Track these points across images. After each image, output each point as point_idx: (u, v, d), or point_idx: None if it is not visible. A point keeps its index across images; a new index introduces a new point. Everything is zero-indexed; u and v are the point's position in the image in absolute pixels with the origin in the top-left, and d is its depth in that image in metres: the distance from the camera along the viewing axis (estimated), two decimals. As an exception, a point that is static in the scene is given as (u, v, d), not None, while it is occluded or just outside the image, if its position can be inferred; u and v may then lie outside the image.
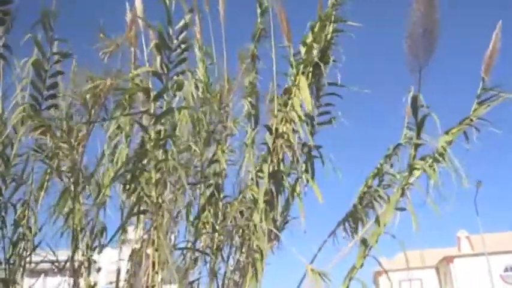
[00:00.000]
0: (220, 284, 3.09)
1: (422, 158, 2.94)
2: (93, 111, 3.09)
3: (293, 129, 3.08)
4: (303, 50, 3.21)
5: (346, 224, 3.21)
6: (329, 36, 3.18)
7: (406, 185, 2.87)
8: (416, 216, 2.80)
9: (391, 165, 3.28)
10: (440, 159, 2.83)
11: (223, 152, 3.45)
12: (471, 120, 2.93)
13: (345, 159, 3.43)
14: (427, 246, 45.45)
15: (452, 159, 2.85)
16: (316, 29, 3.14)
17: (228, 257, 3.12)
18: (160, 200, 2.55)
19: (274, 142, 3.05)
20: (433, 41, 2.78)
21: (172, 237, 3.23)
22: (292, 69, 3.17)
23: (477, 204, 31.22)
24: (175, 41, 2.70)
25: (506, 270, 38.79)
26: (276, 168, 3.03)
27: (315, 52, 3.13)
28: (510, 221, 71.73)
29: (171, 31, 2.67)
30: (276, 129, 3.08)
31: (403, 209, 2.86)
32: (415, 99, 2.90)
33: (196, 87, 3.61)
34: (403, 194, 2.88)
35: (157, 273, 2.45)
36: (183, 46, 2.75)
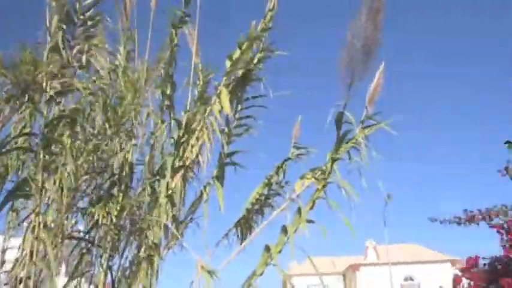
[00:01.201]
0: (113, 278, 2.96)
1: (312, 170, 3.05)
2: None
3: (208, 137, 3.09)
4: (228, 63, 3.28)
5: (239, 228, 3.21)
6: (256, 58, 3.35)
7: (317, 198, 2.92)
8: (324, 229, 2.85)
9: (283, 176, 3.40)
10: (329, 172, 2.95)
11: (131, 142, 3.33)
12: (356, 141, 3.07)
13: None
14: (338, 253, 47.21)
15: (336, 173, 2.99)
16: (244, 47, 3.24)
17: (123, 252, 2.99)
18: (47, 185, 2.37)
19: (183, 136, 2.98)
20: (370, 57, 2.82)
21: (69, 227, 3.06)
22: (199, 81, 3.33)
23: (386, 216, 32.74)
24: (81, 17, 2.54)
25: (406, 279, 40.97)
26: (183, 164, 2.96)
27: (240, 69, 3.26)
28: (414, 234, 76.07)
29: (77, 5, 2.52)
30: (187, 124, 3.02)
31: (311, 221, 2.89)
32: (340, 115, 2.96)
33: (114, 71, 3.51)
34: (313, 207, 2.93)
35: (35, 264, 2.28)
36: (90, 23, 2.60)
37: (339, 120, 2.99)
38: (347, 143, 3.08)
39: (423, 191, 70.30)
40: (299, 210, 2.93)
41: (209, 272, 2.54)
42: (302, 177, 3.04)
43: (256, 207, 3.27)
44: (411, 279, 40.95)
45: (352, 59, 2.86)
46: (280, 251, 2.78)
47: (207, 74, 3.38)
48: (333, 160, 3.02)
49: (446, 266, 37.95)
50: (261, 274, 2.75)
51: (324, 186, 2.95)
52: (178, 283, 3.40)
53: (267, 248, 2.87)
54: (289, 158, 3.37)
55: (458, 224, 5.75)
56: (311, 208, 2.93)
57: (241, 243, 3.14)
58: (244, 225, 3.18)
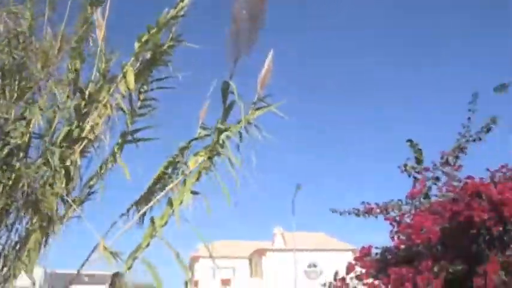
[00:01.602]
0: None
1: (206, 147, 3.10)
2: None
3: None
4: (136, 45, 3.29)
5: (139, 206, 3.19)
6: (166, 45, 3.40)
7: (203, 169, 2.95)
8: (207, 201, 2.85)
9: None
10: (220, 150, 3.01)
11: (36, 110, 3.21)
12: (248, 121, 3.18)
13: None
14: (247, 238, 47.81)
15: (228, 148, 3.04)
16: (152, 31, 3.27)
17: (13, 225, 2.88)
18: None
19: (85, 107, 2.91)
20: (256, 28, 2.88)
21: None
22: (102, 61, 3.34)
23: (295, 204, 33.81)
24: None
25: (309, 266, 42.62)
26: (78, 134, 2.89)
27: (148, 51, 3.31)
28: (320, 222, 79.21)
29: None
30: (90, 95, 2.96)
31: (196, 193, 2.91)
32: (226, 85, 3.02)
33: (16, 37, 3.37)
34: (198, 178, 2.94)
35: None
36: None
37: (224, 91, 3.07)
38: (238, 123, 3.17)
39: (339, 182, 73.28)
40: (184, 182, 2.95)
41: (112, 253, 2.52)
42: (196, 154, 3.07)
43: (159, 186, 3.26)
44: (314, 266, 42.64)
45: (239, 32, 2.94)
46: (165, 224, 2.76)
47: (110, 54, 3.38)
48: (219, 131, 3.08)
49: (348, 254, 39.89)
50: (147, 246, 2.72)
51: (210, 157, 2.99)
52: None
53: (152, 221, 2.86)
54: (195, 138, 3.40)
55: (357, 215, 6.03)
56: (197, 179, 2.94)
57: (141, 221, 3.12)
58: (145, 203, 3.16)
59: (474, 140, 5.26)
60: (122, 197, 3.56)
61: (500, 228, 3.92)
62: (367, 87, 69.26)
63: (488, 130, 5.19)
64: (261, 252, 43.34)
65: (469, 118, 5.39)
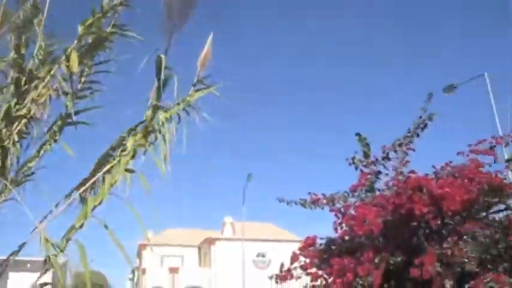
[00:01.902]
0: None
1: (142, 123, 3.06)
2: None
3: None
4: (80, 28, 3.23)
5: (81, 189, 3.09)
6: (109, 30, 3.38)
7: (138, 146, 2.88)
8: (145, 179, 2.78)
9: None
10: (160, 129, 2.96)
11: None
12: (188, 103, 3.17)
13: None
14: (198, 227, 47.61)
15: (164, 125, 3.01)
16: (95, 16, 3.25)
17: None
18: None
19: (25, 84, 2.79)
20: (189, 6, 2.85)
21: None
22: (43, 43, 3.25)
23: (245, 194, 33.90)
24: None
25: (258, 255, 42.99)
26: (16, 111, 2.76)
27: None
28: (267, 213, 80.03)
29: None
30: (31, 71, 2.84)
31: (131, 171, 2.84)
32: (159, 60, 2.97)
33: None
34: (134, 156, 2.87)
35: None
36: None
37: (159, 66, 3.03)
38: (178, 104, 3.12)
39: (294, 173, 73.89)
40: (119, 160, 2.88)
41: (53, 244, 2.43)
42: (134, 135, 2.99)
43: (106, 169, 3.15)
44: (263, 256, 43.05)
45: (172, 6, 2.91)
46: (99, 203, 2.67)
47: (52, 35, 3.28)
48: (154, 108, 3.04)
49: (296, 245, 40.28)
50: (81, 227, 2.63)
51: (144, 134, 2.94)
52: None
53: (85, 201, 2.78)
54: (144, 121, 3.32)
55: (304, 206, 6.10)
56: (132, 157, 2.88)
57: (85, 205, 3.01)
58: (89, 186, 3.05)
59: (412, 136, 5.40)
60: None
61: (439, 222, 4.06)
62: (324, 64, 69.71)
63: (425, 127, 5.33)
64: (210, 241, 43.33)
65: (420, 116, 5.48)
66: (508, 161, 3.85)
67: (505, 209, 4.32)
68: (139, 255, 46.02)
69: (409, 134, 5.38)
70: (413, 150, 5.41)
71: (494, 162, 4.50)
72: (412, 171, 4.98)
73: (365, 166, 5.73)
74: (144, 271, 42.72)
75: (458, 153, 4.82)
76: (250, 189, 32.77)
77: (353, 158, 5.84)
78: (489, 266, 3.83)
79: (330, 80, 66.63)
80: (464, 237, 4.00)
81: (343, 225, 4.71)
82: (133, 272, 50.21)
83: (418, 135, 5.34)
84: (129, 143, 2.91)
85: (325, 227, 6.40)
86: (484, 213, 4.44)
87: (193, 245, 46.36)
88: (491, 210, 4.45)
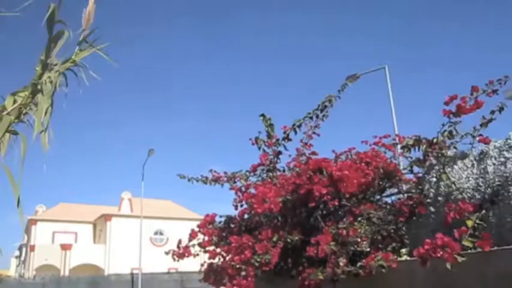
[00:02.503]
0: None
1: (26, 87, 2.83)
2: None
3: None
4: None
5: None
6: None
7: (22, 105, 2.65)
8: (25, 142, 2.56)
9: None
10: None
11: None
12: (74, 62, 3.03)
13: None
14: (94, 203, 46.07)
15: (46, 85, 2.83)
16: None
17: None
18: None
19: None
20: None
21: None
22: None
23: (145, 171, 33.24)
24: None
25: (155, 233, 42.56)
26: None
27: None
28: (168, 190, 79.47)
29: None
30: None
31: (15, 133, 2.61)
32: (52, 13, 2.74)
33: None
34: (19, 117, 2.64)
35: None
36: None
37: (50, 19, 2.81)
38: (64, 63, 2.94)
39: (196, 152, 73.41)
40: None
41: None
42: (14, 93, 2.76)
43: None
44: (161, 233, 42.70)
45: None
46: None
47: None
48: (43, 64, 2.83)
49: (195, 224, 40.49)
50: None
51: (31, 94, 2.72)
52: None
53: None
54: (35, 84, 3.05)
55: (205, 183, 6.03)
56: (17, 118, 2.66)
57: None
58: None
59: (311, 118, 5.49)
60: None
61: (336, 203, 4.19)
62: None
63: (324, 108, 5.44)
64: (106, 217, 42.03)
65: (328, 100, 5.55)
66: (403, 147, 4.04)
67: (397, 193, 4.56)
68: (27, 231, 43.50)
69: (310, 115, 5.46)
70: (318, 135, 5.51)
71: (394, 158, 4.72)
72: (314, 153, 5.08)
73: (267, 146, 5.76)
74: (32, 248, 40.58)
75: (362, 142, 4.99)
76: (150, 166, 32.22)
77: (256, 138, 5.84)
78: (380, 246, 4.02)
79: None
80: (359, 218, 4.15)
81: (243, 203, 4.69)
82: (20, 249, 47.39)
83: (317, 117, 5.43)
84: (7, 104, 2.63)
85: (224, 207, 6.39)
86: (378, 196, 4.66)
87: (88, 221, 44.75)
88: (385, 194, 4.68)
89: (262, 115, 5.90)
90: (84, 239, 43.89)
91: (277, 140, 5.60)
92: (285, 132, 5.58)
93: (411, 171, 4.48)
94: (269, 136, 5.81)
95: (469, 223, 3.09)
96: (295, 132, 5.52)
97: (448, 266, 2.88)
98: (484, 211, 3.19)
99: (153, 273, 34.30)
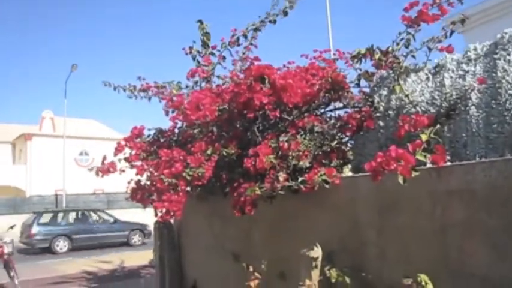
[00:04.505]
0: None
1: None
2: None
3: None
4: None
5: None
6: None
7: None
8: None
9: None
10: None
11: None
12: None
13: None
14: (13, 122, 43.45)
15: None
16: None
17: None
18: None
19: None
20: None
21: None
22: None
23: (67, 87, 31.48)
24: None
25: (80, 154, 41.14)
26: None
27: None
28: (93, 109, 76.71)
29: None
30: None
31: None
32: None
33: None
34: None
35: None
36: None
37: None
38: None
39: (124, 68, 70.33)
40: None
41: None
42: None
43: None
44: (86, 154, 41.29)
45: None
46: None
47: None
48: None
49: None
50: None
51: None
52: None
53: None
54: None
55: (132, 92, 5.50)
56: None
57: None
58: None
59: (270, 22, 5.07)
60: None
61: (277, 114, 3.81)
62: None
63: (285, 14, 5.03)
64: (26, 137, 39.89)
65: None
66: (353, 57, 3.66)
67: (343, 107, 4.25)
68: None
69: (266, 20, 5.05)
70: (256, 46, 5.11)
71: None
72: (257, 58, 4.66)
73: (202, 57, 5.27)
74: None
75: (302, 55, 4.63)
76: (74, 82, 30.55)
77: (190, 48, 5.31)
78: (323, 161, 3.75)
79: None
80: (302, 132, 3.84)
81: (175, 109, 4.17)
82: None
83: (275, 22, 5.02)
84: None
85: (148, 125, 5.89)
86: (322, 110, 4.35)
87: (6, 141, 42.36)
88: (330, 108, 4.37)
89: (200, 21, 5.33)
90: (2, 159, 41.65)
91: (223, 43, 5.12)
92: (233, 36, 5.08)
93: (358, 85, 4.16)
94: (204, 45, 5.29)
95: (424, 137, 2.81)
96: (246, 37, 5.06)
97: (401, 180, 2.61)
98: (439, 125, 2.92)
99: (79, 194, 33.51)
